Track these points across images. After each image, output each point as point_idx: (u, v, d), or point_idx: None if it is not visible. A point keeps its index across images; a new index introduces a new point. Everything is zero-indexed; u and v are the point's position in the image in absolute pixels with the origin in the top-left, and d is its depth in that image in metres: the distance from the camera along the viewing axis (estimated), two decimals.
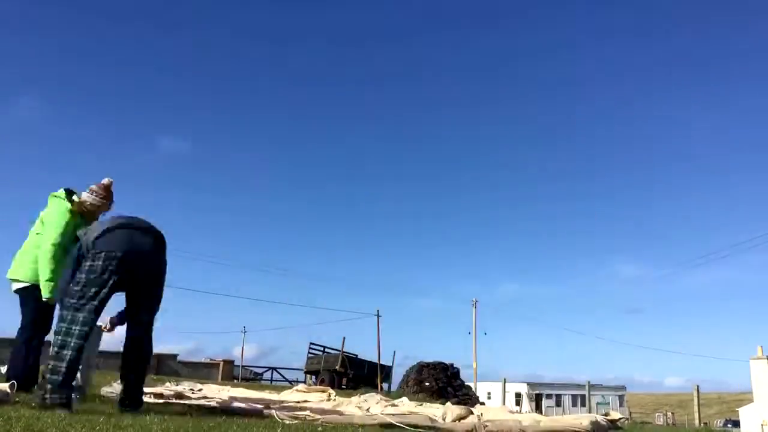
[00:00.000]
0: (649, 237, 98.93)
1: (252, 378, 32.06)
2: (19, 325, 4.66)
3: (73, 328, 3.54)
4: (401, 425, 4.20)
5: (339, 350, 25.41)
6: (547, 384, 54.12)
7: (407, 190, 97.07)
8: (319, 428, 4.19)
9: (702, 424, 21.53)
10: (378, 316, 24.69)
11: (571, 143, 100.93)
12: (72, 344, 3.53)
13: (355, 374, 24.63)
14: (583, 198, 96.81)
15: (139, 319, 3.89)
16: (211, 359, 32.07)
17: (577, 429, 4.07)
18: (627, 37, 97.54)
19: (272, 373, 33.19)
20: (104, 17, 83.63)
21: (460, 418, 4.21)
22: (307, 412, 4.59)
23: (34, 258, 4.60)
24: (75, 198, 4.70)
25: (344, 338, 25.42)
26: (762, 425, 26.73)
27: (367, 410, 4.72)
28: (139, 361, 3.93)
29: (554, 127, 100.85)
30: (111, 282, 3.63)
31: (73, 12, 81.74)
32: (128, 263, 3.64)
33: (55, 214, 4.58)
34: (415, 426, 4.30)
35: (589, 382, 24.63)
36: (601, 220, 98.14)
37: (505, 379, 27.10)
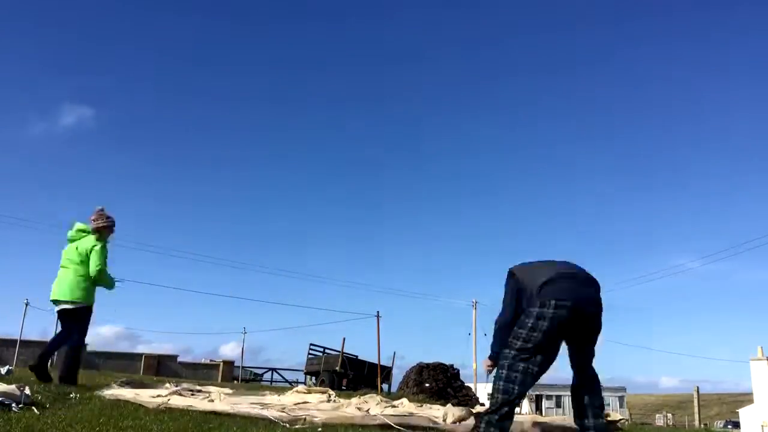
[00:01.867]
0: (649, 237, 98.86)
1: (252, 379, 32.08)
2: (70, 334, 6.19)
3: (513, 375, 3.56)
4: (401, 428, 4.20)
5: (339, 351, 25.42)
6: (548, 385, 54.05)
7: (408, 189, 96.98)
8: (319, 429, 4.19)
9: (702, 425, 21.54)
10: (378, 317, 24.64)
11: (572, 144, 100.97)
12: (514, 391, 3.56)
13: (355, 375, 24.63)
14: (583, 199, 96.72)
15: (585, 363, 3.88)
16: (211, 360, 32.11)
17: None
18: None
19: (272, 374, 33.24)
20: None
21: (461, 419, 4.21)
22: (308, 413, 4.58)
23: (83, 283, 6.16)
24: (91, 225, 6.36)
25: (344, 339, 25.45)
26: (762, 426, 26.74)
27: (367, 411, 4.72)
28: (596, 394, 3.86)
29: (555, 128, 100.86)
30: (557, 330, 3.59)
31: None
32: (577, 312, 3.60)
33: (93, 247, 6.27)
34: (415, 428, 4.30)
35: None
36: (601, 220, 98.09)
37: None
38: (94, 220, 6.34)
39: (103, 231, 6.36)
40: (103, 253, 6.28)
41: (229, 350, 72.18)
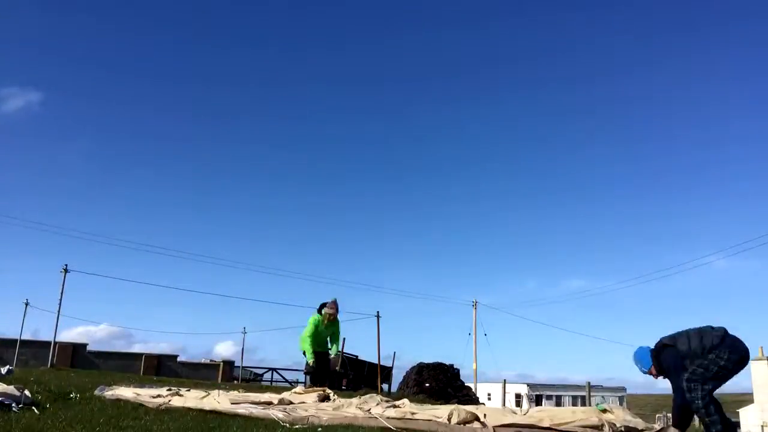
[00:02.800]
0: (648, 238, 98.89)
1: (252, 379, 32.04)
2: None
3: (700, 395, 4.71)
4: (404, 430, 4.18)
5: (339, 351, 25.41)
6: (548, 385, 54.10)
7: (407, 190, 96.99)
8: (319, 429, 4.18)
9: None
10: (378, 317, 24.64)
11: (573, 146, 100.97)
12: (711, 409, 4.71)
13: (355, 375, 24.63)
14: (583, 199, 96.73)
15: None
16: (211, 360, 32.07)
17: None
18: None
19: (272, 374, 33.21)
20: None
21: (465, 422, 4.18)
22: (308, 413, 4.57)
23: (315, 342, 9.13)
24: (324, 311, 9.13)
25: (344, 339, 25.42)
26: (762, 426, 26.75)
27: (368, 411, 4.71)
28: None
29: (556, 128, 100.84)
30: (726, 376, 4.79)
31: None
32: (740, 364, 4.83)
33: (308, 321, 9.12)
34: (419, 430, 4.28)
35: (589, 383, 24.61)
36: (601, 220, 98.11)
37: (505, 380, 27.07)
38: (330, 314, 9.18)
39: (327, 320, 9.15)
40: (311, 329, 9.07)
41: (224, 350, 72.19)
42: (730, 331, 4.98)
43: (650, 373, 5.23)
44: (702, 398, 4.68)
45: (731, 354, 4.76)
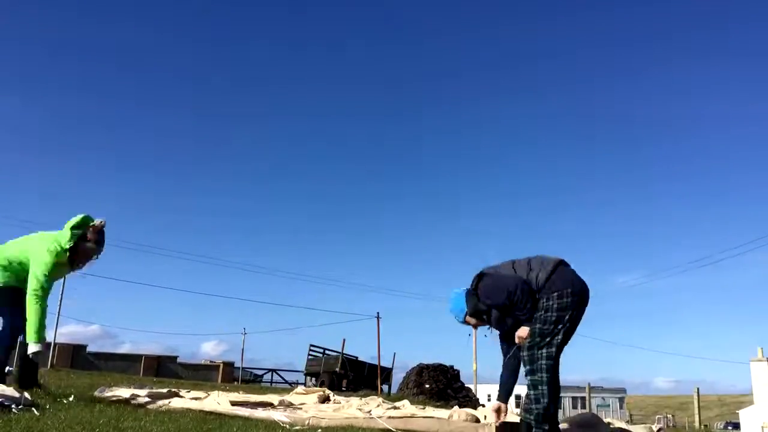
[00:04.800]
0: (648, 239, 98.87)
1: (252, 380, 32.05)
2: None
3: (542, 363, 3.59)
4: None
5: (339, 352, 25.41)
6: None
7: (408, 189, 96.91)
8: (319, 430, 4.18)
9: (702, 427, 21.52)
10: (378, 318, 24.64)
11: (574, 148, 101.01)
12: (545, 380, 3.59)
13: (355, 376, 24.64)
14: (583, 199, 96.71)
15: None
16: (210, 361, 32.07)
17: None
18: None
19: (272, 375, 33.21)
20: None
21: (465, 422, 4.18)
22: (308, 414, 4.57)
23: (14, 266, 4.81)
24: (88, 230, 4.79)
25: (344, 340, 25.45)
26: (762, 427, 26.70)
27: (369, 412, 4.70)
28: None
29: (555, 130, 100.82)
30: (569, 317, 3.63)
31: None
32: (582, 300, 3.70)
33: (46, 254, 4.66)
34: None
35: (589, 384, 24.62)
36: (600, 221, 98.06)
37: None
38: (86, 241, 4.78)
39: (81, 260, 4.86)
40: (54, 274, 4.78)
41: (210, 349, 72.20)
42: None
43: (468, 323, 4.09)
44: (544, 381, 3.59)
45: (565, 294, 3.62)
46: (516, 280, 3.70)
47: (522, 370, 3.79)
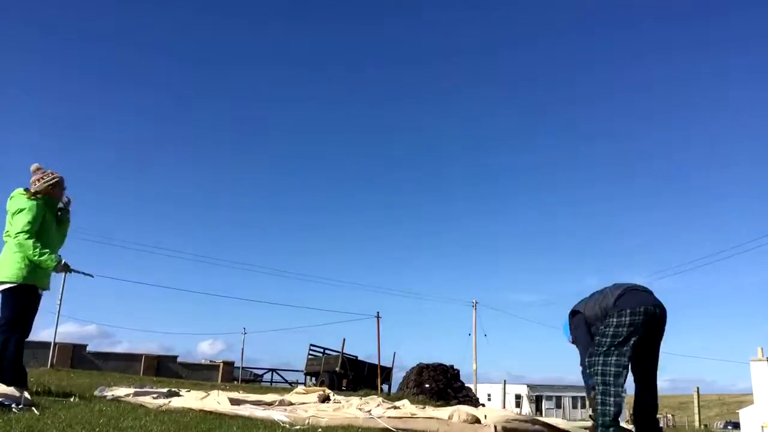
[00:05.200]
0: (648, 239, 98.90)
1: (252, 379, 32.07)
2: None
3: (608, 369, 3.99)
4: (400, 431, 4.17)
5: (339, 352, 25.41)
6: (548, 386, 54.06)
7: (408, 189, 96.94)
8: (319, 430, 4.18)
9: (702, 426, 21.53)
10: (378, 317, 24.65)
11: (576, 149, 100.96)
12: (613, 384, 3.97)
13: (355, 376, 24.64)
14: (583, 200, 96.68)
15: (648, 374, 4.29)
16: (210, 361, 32.07)
17: None
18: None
19: (272, 375, 33.23)
20: None
21: (466, 422, 4.18)
22: (308, 414, 4.57)
23: (18, 258, 4.85)
24: (33, 188, 5.03)
25: (344, 339, 25.44)
26: (762, 427, 26.73)
27: (369, 412, 4.70)
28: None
29: (555, 128, 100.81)
30: (628, 332, 4.00)
31: None
32: (644, 316, 4.04)
33: (19, 208, 4.94)
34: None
35: None
36: (601, 221, 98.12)
37: (505, 381, 27.06)
38: (35, 182, 5.04)
39: (50, 191, 5.06)
40: (34, 214, 4.88)
41: (207, 348, 72.36)
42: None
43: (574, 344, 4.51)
44: (603, 373, 3.97)
45: (624, 313, 4.01)
46: (583, 337, 4.30)
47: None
